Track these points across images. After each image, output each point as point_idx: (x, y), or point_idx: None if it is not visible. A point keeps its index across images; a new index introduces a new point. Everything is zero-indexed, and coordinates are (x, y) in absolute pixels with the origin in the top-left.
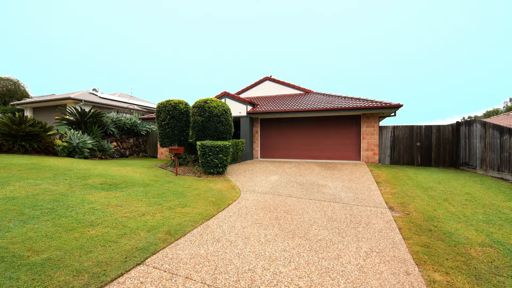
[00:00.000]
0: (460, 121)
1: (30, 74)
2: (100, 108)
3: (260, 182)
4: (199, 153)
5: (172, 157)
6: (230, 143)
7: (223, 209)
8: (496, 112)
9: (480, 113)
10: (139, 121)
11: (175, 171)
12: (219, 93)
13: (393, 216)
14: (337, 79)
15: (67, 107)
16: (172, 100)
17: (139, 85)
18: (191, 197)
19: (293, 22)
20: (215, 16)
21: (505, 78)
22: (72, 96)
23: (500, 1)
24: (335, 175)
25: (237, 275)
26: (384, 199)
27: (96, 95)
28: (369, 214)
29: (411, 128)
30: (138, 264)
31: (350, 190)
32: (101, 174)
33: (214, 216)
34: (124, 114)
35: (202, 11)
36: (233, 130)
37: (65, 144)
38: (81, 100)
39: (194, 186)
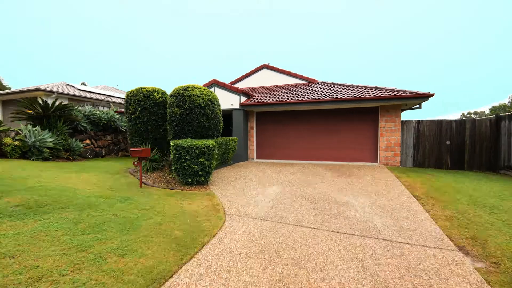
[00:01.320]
0: (501, 114)
1: (30, 74)
2: (77, 102)
3: (255, 197)
4: (172, 156)
5: (136, 162)
6: (216, 143)
7: (190, 259)
8: (503, 107)
9: (484, 109)
10: (117, 115)
11: (139, 181)
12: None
13: (475, 267)
14: (337, 79)
15: (38, 99)
16: (144, 88)
17: (139, 85)
18: (145, 231)
19: (293, 22)
20: (215, 16)
21: (506, 78)
22: (42, 87)
23: (500, 1)
24: (354, 185)
25: None
26: (442, 230)
27: (74, 87)
28: (435, 264)
29: (439, 123)
30: None
31: (385, 212)
32: (34, 186)
33: (170, 278)
34: (102, 108)
35: (202, 11)
36: (222, 125)
37: (17, 143)
38: (53, 92)
39: (158, 207)
